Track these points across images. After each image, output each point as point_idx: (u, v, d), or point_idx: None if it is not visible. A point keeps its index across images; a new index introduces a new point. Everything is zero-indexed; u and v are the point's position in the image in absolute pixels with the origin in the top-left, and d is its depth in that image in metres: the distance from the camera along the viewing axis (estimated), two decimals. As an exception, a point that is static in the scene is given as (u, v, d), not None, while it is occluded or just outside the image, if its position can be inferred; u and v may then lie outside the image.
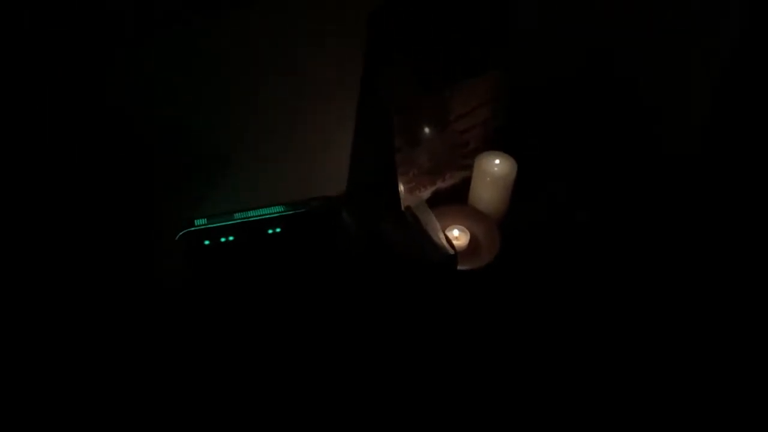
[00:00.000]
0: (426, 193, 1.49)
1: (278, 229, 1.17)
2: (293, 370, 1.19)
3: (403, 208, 1.26)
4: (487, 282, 1.37)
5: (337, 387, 1.18)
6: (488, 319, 1.31)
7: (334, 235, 1.21)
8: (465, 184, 1.49)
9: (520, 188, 1.45)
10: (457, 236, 1.42)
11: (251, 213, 1.15)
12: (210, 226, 1.12)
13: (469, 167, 1.46)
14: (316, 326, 1.24)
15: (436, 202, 1.49)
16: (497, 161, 1.44)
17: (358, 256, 1.23)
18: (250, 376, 1.17)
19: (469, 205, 1.47)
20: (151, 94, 1.04)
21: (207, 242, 1.13)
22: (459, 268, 1.34)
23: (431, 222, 1.27)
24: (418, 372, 1.22)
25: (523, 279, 1.38)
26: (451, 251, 1.25)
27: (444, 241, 1.26)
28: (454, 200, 1.49)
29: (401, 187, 1.43)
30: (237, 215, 1.14)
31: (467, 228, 1.43)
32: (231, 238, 1.15)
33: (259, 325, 1.22)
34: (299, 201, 1.19)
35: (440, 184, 1.51)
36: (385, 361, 1.21)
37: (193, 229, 1.12)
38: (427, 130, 1.41)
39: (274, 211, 1.16)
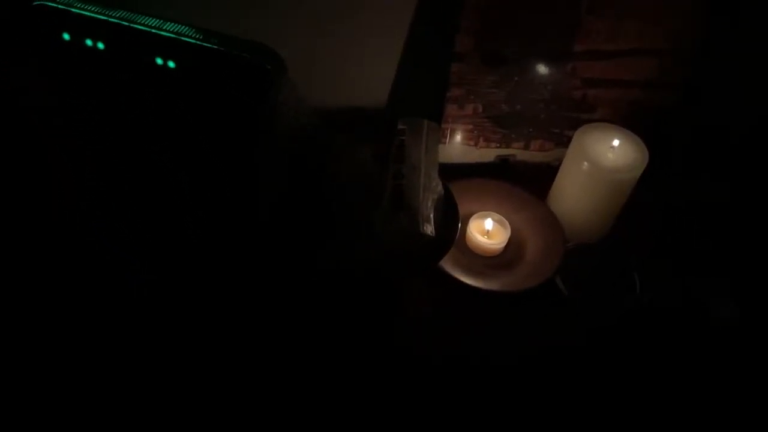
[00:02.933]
0: (487, 153, 0.91)
1: (171, 63, 0.70)
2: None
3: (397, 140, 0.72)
4: (507, 322, 0.78)
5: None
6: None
7: (255, 119, 0.71)
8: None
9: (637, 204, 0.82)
10: (489, 231, 0.83)
11: (142, 19, 0.70)
12: (74, 9, 0.70)
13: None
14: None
15: (492, 174, 0.90)
16: (615, 142, 0.81)
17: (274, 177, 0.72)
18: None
19: (540, 202, 0.86)
20: None
21: (67, 36, 0.71)
22: (469, 282, 0.76)
23: (429, 169, 0.71)
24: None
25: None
26: (429, 229, 0.68)
27: (428, 210, 0.69)
28: (529, 185, 0.88)
29: (448, 129, 0.87)
30: (118, 14, 0.70)
31: (514, 227, 0.83)
32: (100, 45, 0.71)
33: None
34: (231, 38, 0.71)
35: (517, 150, 0.91)
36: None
37: (50, 3, 0.70)
38: (523, 51, 0.83)
39: (176, 31, 0.69)
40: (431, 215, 0.69)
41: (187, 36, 0.69)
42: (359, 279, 0.74)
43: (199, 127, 0.74)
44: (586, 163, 0.79)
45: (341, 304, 0.74)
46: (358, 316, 0.75)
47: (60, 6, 0.70)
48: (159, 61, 0.70)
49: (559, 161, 0.87)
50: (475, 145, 0.90)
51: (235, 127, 0.72)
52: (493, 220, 0.82)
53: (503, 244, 0.82)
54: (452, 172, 0.85)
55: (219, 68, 0.70)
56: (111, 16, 0.70)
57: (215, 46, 0.69)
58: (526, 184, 0.88)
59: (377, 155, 0.75)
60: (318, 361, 0.73)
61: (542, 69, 0.84)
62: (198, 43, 0.69)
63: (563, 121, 0.89)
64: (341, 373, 0.73)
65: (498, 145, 0.90)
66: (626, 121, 0.86)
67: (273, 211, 0.74)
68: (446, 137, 0.88)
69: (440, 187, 0.73)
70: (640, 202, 0.82)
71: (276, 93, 0.70)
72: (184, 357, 0.75)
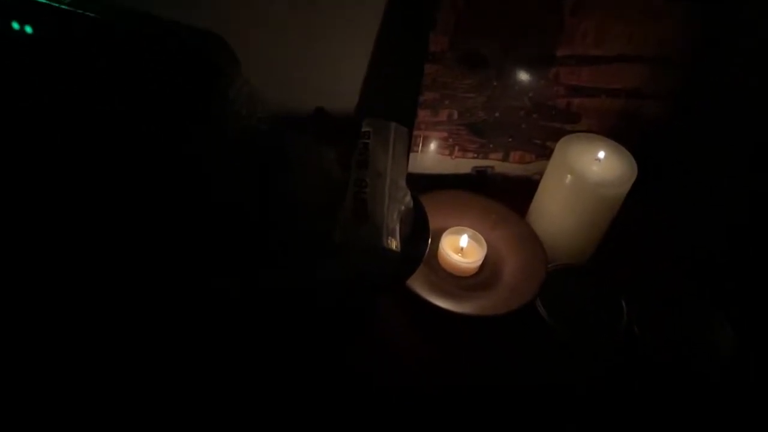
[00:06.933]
0: (463, 164, 0.84)
1: (109, 51, 0.62)
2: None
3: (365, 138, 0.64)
4: (481, 348, 0.70)
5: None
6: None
7: (201, 115, 0.63)
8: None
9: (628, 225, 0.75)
10: (463, 249, 0.75)
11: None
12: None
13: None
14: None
15: (468, 186, 0.83)
16: (601, 154, 0.74)
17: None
18: None
19: (520, 218, 0.79)
20: None
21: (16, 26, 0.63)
22: (440, 305, 0.68)
23: (396, 177, 0.63)
24: None
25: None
26: (394, 244, 0.60)
27: (393, 222, 0.61)
28: (507, 200, 0.81)
29: (421, 136, 0.80)
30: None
31: (491, 245, 0.75)
32: (28, 29, 0.62)
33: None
34: (177, 24, 0.63)
35: (495, 161, 0.84)
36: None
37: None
38: (503, 52, 0.76)
39: (116, 12, 0.61)
40: (397, 228, 0.61)
41: (129, 21, 0.62)
42: (318, 300, 0.66)
43: (141, 120, 0.65)
44: (569, 176, 0.72)
45: (297, 327, 0.66)
46: (315, 340, 0.67)
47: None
48: (99, 46, 0.62)
49: (541, 175, 0.80)
50: (450, 154, 0.82)
51: (179, 123, 0.64)
52: (468, 236, 0.75)
53: (478, 263, 0.74)
54: (424, 184, 0.78)
55: (163, 57, 0.63)
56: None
57: (159, 33, 0.62)
58: (504, 198, 0.80)
59: (342, 161, 0.67)
60: (272, 390, 0.65)
61: (523, 73, 0.78)
62: (141, 29, 0.62)
63: (545, 131, 0.82)
64: (296, 403, 0.64)
65: (475, 155, 0.83)
66: (613, 132, 0.80)
67: (221, 219, 0.66)
68: (419, 145, 0.81)
69: (408, 198, 0.66)
70: (628, 220, 0.76)
71: (225, 87, 0.63)
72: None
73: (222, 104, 0.63)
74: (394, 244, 0.60)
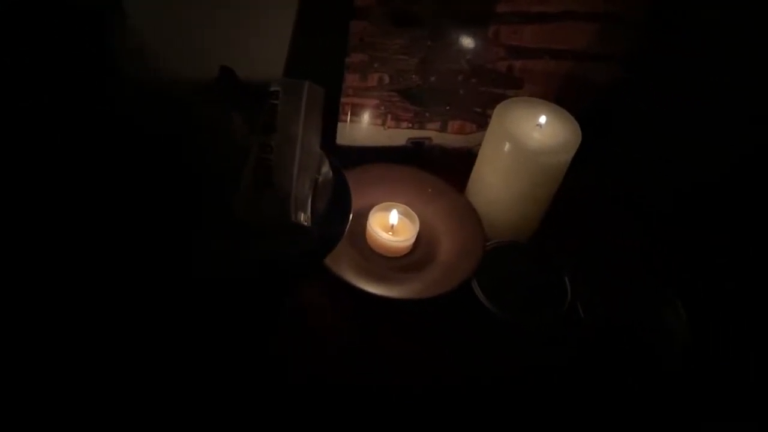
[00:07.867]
0: (397, 135, 0.77)
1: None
2: None
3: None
4: (413, 336, 0.63)
5: None
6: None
7: (84, 68, 0.54)
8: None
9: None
10: (394, 226, 0.68)
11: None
12: None
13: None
14: None
15: (403, 160, 0.76)
16: (542, 119, 0.67)
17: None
18: None
19: (456, 192, 0.72)
20: None
21: None
22: (368, 289, 0.61)
23: (308, 143, 0.55)
24: None
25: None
26: (303, 218, 0.52)
27: (304, 193, 0.54)
28: (446, 175, 0.74)
29: (350, 104, 0.73)
30: None
31: (425, 221, 0.69)
32: None
33: None
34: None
35: (432, 132, 0.77)
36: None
37: None
38: (438, 9, 0.69)
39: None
40: (308, 200, 0.54)
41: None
42: (231, 282, 0.58)
43: (22, 77, 0.56)
44: (507, 144, 0.65)
45: (202, 315, 0.58)
46: (230, 332, 0.59)
47: None
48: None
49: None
50: (383, 124, 0.75)
51: (62, 78, 0.56)
52: (399, 212, 0.68)
53: (410, 242, 0.67)
54: (355, 158, 0.71)
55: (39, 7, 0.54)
56: None
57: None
58: (443, 172, 0.73)
59: (251, 126, 0.59)
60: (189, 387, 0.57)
61: (460, 33, 0.70)
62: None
63: (486, 97, 0.75)
64: (215, 402, 0.57)
65: (410, 125, 0.76)
66: (559, 98, 0.73)
67: (112, 189, 0.57)
68: (347, 114, 0.73)
69: (326, 168, 0.58)
70: (575, 190, 0.69)
71: (109, 38, 0.55)
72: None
73: (107, 58, 0.55)
74: (303, 217, 0.53)
